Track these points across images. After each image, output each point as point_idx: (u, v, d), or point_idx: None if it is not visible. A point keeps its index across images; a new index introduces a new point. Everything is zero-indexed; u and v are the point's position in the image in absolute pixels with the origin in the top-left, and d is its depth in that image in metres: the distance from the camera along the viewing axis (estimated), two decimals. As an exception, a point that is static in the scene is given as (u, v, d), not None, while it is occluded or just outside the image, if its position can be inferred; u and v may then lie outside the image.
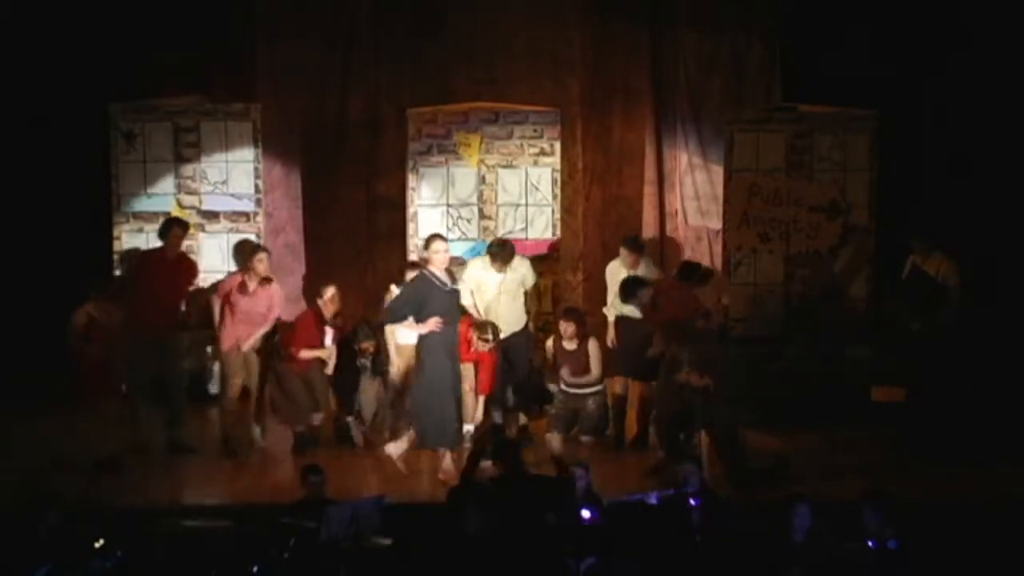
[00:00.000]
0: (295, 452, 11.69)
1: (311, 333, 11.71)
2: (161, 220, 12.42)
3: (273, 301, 11.84)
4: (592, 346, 11.89)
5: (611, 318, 12.14)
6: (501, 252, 11.98)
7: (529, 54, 14.01)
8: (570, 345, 11.91)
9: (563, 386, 11.98)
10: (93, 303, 11.37)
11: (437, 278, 10.88)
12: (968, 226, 12.57)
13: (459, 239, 12.85)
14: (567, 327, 11.90)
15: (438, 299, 10.83)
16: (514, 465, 9.29)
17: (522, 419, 12.17)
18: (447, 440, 10.90)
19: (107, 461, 11.08)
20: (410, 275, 11.59)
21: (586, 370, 11.83)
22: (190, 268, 12.17)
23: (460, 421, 11.07)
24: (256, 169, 13.04)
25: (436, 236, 11.21)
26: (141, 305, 11.61)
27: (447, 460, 10.91)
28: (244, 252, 12.34)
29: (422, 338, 10.97)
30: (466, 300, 11.71)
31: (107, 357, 11.37)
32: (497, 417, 12.02)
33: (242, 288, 11.71)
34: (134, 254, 12.56)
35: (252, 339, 11.73)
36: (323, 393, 11.85)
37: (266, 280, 11.81)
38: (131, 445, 11.49)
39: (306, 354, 11.68)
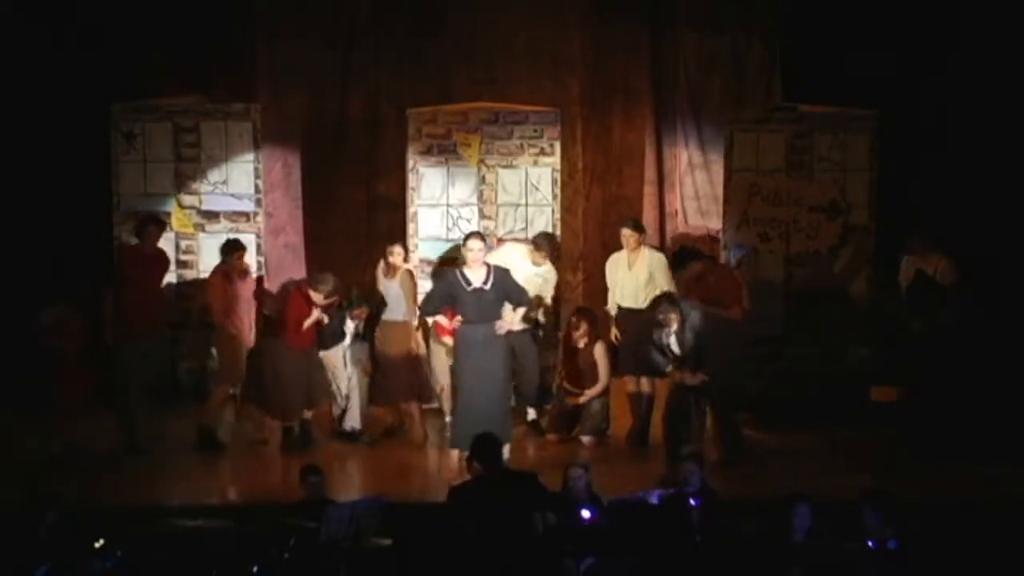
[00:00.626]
0: (283, 450, 11.69)
1: (301, 309, 11.65)
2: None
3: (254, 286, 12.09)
4: (599, 351, 11.90)
5: (613, 312, 12.14)
6: (547, 242, 12.12)
7: (529, 54, 14.01)
8: (579, 344, 11.94)
9: (565, 385, 12.01)
10: (62, 303, 11.42)
11: (463, 276, 10.88)
12: (968, 226, 12.56)
13: (459, 239, 12.82)
14: (579, 325, 11.92)
15: (461, 297, 10.86)
16: (493, 464, 9.24)
17: (531, 414, 12.24)
18: (459, 442, 10.85)
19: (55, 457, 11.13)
20: (394, 252, 11.91)
21: (592, 372, 11.87)
22: (165, 262, 12.22)
23: (492, 417, 10.69)
24: (256, 169, 13.04)
25: (472, 234, 11.24)
26: (122, 302, 11.66)
27: (453, 459, 10.92)
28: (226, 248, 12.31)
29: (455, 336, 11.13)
30: None
31: (79, 354, 11.39)
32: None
33: (228, 279, 11.80)
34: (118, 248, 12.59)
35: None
36: (320, 388, 11.82)
37: (245, 272, 11.96)
38: (124, 444, 11.53)
39: (307, 322, 11.61)
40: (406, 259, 12.20)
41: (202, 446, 11.68)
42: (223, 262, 11.89)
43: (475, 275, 10.85)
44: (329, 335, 11.79)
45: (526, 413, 12.28)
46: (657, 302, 10.96)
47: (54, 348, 11.34)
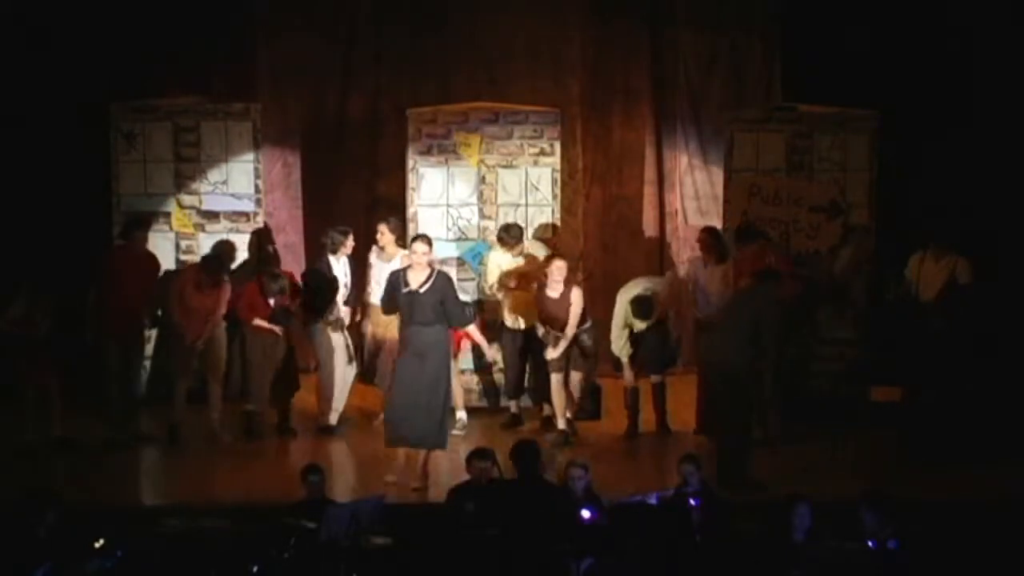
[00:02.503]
0: (243, 432, 11.84)
1: (255, 299, 11.77)
2: (161, 219, 12.75)
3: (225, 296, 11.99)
4: (575, 295, 11.76)
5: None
6: (507, 234, 12.19)
7: (529, 54, 14.02)
8: (553, 292, 11.80)
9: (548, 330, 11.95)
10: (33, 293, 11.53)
11: (403, 278, 10.85)
12: (968, 226, 12.56)
13: (459, 239, 12.85)
14: (557, 269, 11.80)
15: (398, 299, 10.84)
16: (530, 470, 9.29)
17: (545, 410, 12.23)
18: (391, 438, 10.87)
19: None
20: (380, 230, 12.22)
21: (565, 318, 11.77)
22: (155, 265, 12.22)
23: (418, 420, 10.78)
24: (256, 169, 13.04)
25: (418, 237, 11.25)
26: (104, 300, 11.68)
27: (396, 456, 10.96)
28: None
29: None
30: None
31: (48, 342, 11.47)
32: (513, 407, 12.31)
33: (196, 286, 11.79)
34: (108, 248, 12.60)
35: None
36: (288, 380, 11.93)
37: (219, 283, 11.93)
38: (106, 440, 11.61)
39: (256, 321, 11.74)
40: (400, 241, 12.23)
41: (169, 442, 11.76)
42: (205, 271, 11.83)
43: (415, 278, 10.81)
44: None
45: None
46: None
47: (19, 336, 11.37)
